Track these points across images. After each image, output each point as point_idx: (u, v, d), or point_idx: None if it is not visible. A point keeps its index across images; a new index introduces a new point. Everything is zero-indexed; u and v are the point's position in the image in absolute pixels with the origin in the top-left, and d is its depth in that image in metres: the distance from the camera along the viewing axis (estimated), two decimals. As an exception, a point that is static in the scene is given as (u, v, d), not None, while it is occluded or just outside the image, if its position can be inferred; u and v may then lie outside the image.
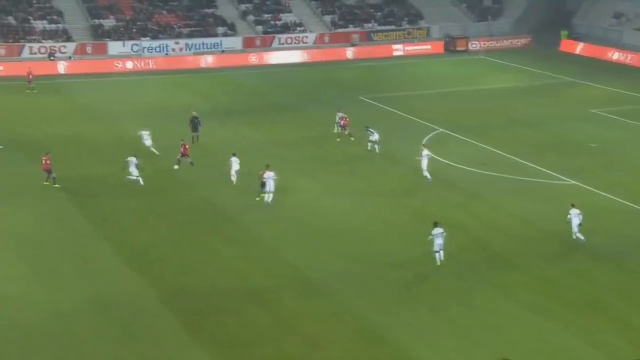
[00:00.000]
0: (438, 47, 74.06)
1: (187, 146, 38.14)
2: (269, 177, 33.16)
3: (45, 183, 35.41)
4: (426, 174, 36.52)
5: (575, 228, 29.76)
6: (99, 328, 23.60)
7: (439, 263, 27.89)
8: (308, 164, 37.41)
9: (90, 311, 24.53)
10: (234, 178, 36.01)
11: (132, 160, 35.74)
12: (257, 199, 33.44)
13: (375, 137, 40.90)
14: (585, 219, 30.06)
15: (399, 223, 31.68)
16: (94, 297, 25.41)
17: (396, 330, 23.94)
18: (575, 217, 29.55)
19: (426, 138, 43.62)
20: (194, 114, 42.47)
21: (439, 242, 27.67)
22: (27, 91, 54.21)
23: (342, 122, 43.26)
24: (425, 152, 37.25)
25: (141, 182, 35.46)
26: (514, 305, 25.40)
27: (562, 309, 25.24)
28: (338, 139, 42.83)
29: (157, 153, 39.32)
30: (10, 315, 24.07)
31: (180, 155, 37.93)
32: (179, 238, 30.28)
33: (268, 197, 33.22)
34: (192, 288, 26.31)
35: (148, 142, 39.96)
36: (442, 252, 27.89)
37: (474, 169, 38.67)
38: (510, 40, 75.90)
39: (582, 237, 29.71)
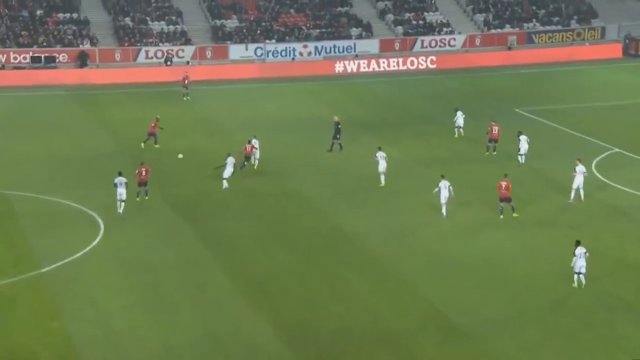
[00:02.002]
0: (615, 50, 71.66)
1: (248, 148, 40.69)
2: (444, 186, 34.84)
3: (137, 199, 36.78)
4: (575, 193, 36.32)
5: None
6: (211, 367, 24.30)
7: (575, 285, 28.61)
8: (453, 186, 37.01)
9: (201, 349, 25.28)
10: (382, 177, 38.73)
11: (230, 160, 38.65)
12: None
13: (525, 147, 41.65)
14: None
15: (562, 259, 30.66)
16: (207, 332, 26.17)
17: (558, 389, 23.19)
18: None
19: (597, 158, 42.22)
20: (336, 119, 44.45)
21: (581, 264, 28.32)
22: (184, 98, 57.77)
23: (493, 134, 43.08)
24: (580, 167, 36.61)
25: (225, 185, 38.38)
26: None
27: None
28: (491, 153, 43.01)
29: (254, 166, 41.52)
30: (118, 349, 25.23)
31: (245, 158, 40.62)
32: (301, 268, 30.78)
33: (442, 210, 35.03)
34: (316, 326, 26.58)
35: (256, 153, 41.82)
36: (582, 277, 28.47)
37: (657, 198, 36.99)
38: None
39: None
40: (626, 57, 70.78)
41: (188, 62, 66.82)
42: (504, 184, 35.01)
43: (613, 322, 26.49)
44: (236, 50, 68.41)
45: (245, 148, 40.78)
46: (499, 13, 75.03)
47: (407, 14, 74.25)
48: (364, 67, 67.45)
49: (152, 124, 45.40)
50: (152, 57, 67.10)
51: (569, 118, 50.72)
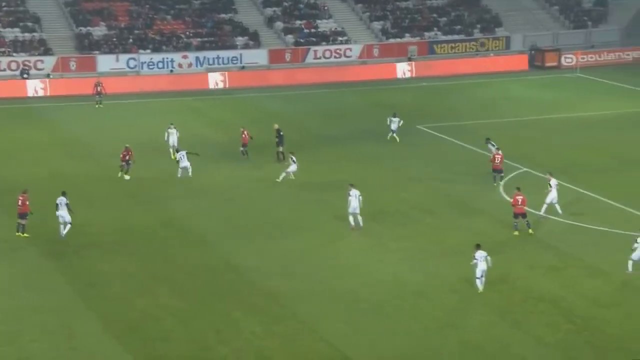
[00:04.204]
0: (520, 62, 74.35)
1: (246, 134, 46.80)
2: (354, 195, 36.72)
3: (18, 234, 36.29)
4: (547, 207, 38.55)
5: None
6: None
7: (481, 290, 31.16)
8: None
9: (72, 403, 24.86)
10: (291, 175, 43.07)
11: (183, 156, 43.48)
12: None
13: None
14: None
15: (472, 292, 31.61)
16: (78, 384, 25.76)
17: None
18: None
19: (505, 179, 43.70)
20: (276, 126, 47.50)
21: (482, 267, 31.01)
22: (97, 106, 59.33)
23: (495, 163, 43.29)
24: (555, 181, 38.78)
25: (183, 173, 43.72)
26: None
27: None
28: (498, 183, 43.14)
29: (174, 157, 45.27)
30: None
31: (242, 145, 46.56)
32: (186, 308, 30.55)
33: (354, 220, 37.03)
34: (202, 374, 26.52)
35: (173, 139, 47.64)
36: (484, 279, 31.14)
37: (569, 221, 38.50)
38: (617, 54, 75.89)
39: None
40: (532, 69, 73.56)
41: (49, 75, 65.53)
42: (519, 198, 36.50)
43: (525, 359, 27.34)
44: (105, 61, 67.53)
45: (243, 136, 46.80)
46: (398, 21, 76.75)
47: (298, 22, 75.03)
48: (252, 80, 67.68)
49: (124, 152, 43.94)
50: (4, 69, 65.60)
51: (473, 135, 52.18)
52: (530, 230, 36.86)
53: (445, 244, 36.10)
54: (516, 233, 36.80)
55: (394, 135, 51.27)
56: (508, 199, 41.17)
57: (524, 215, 36.89)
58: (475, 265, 31.28)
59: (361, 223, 37.02)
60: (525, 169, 45.67)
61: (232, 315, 30.01)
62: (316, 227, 37.80)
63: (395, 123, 51.37)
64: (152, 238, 36.79)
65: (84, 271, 33.52)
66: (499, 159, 43.24)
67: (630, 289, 32.09)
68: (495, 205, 40.54)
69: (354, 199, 36.82)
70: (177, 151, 44.91)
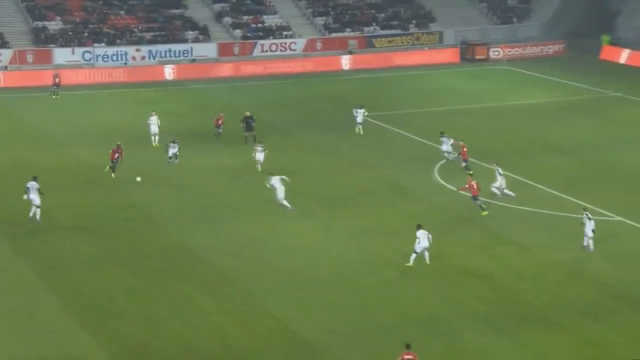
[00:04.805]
0: (452, 55, 74.93)
1: (221, 118, 48.21)
2: (276, 180, 37.38)
3: None
4: (507, 192, 39.15)
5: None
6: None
7: (411, 264, 31.75)
8: (300, 198, 37.75)
9: (33, 379, 24.54)
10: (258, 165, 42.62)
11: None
12: None
13: (446, 147, 44.43)
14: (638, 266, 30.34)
15: (410, 269, 31.91)
16: (38, 361, 25.33)
17: (408, 400, 24.00)
18: None
19: (439, 164, 44.11)
20: (248, 114, 47.70)
21: (424, 244, 31.73)
22: (54, 97, 58.29)
23: (465, 153, 43.26)
24: (500, 170, 39.39)
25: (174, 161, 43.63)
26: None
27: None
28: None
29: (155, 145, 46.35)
30: None
31: (216, 126, 47.90)
32: (141, 288, 30.38)
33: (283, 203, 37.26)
34: (157, 349, 26.32)
35: (154, 128, 47.03)
36: (427, 254, 31.94)
37: (497, 202, 39.01)
38: (539, 47, 76.90)
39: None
40: (463, 62, 74.25)
41: (6, 67, 64.31)
42: (474, 183, 37.29)
43: (460, 331, 27.68)
44: (61, 54, 66.40)
45: (217, 119, 48.16)
46: (339, 17, 76.85)
47: (245, 17, 74.67)
48: (202, 72, 67.17)
49: (114, 149, 41.82)
50: (-38, 63, 64.13)
51: (409, 123, 52.57)
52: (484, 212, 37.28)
53: (385, 225, 36.31)
54: (485, 213, 37.04)
55: (359, 128, 50.03)
56: (443, 183, 41.63)
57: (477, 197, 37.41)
58: (418, 242, 31.69)
59: (288, 205, 37.27)
60: (456, 155, 45.98)
61: (185, 293, 29.92)
62: (266, 211, 37.71)
63: (360, 115, 50.21)
64: (111, 222, 36.39)
65: (43, 253, 33.08)
66: (465, 149, 43.44)
67: (552, 265, 32.69)
68: (431, 189, 40.90)
69: (278, 183, 37.27)
70: (173, 141, 43.87)
